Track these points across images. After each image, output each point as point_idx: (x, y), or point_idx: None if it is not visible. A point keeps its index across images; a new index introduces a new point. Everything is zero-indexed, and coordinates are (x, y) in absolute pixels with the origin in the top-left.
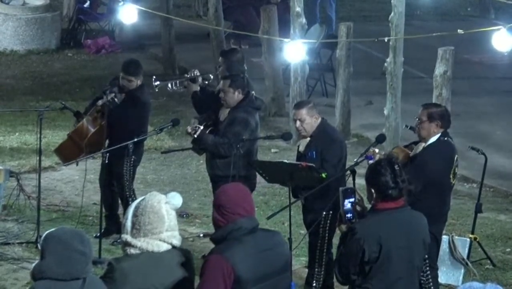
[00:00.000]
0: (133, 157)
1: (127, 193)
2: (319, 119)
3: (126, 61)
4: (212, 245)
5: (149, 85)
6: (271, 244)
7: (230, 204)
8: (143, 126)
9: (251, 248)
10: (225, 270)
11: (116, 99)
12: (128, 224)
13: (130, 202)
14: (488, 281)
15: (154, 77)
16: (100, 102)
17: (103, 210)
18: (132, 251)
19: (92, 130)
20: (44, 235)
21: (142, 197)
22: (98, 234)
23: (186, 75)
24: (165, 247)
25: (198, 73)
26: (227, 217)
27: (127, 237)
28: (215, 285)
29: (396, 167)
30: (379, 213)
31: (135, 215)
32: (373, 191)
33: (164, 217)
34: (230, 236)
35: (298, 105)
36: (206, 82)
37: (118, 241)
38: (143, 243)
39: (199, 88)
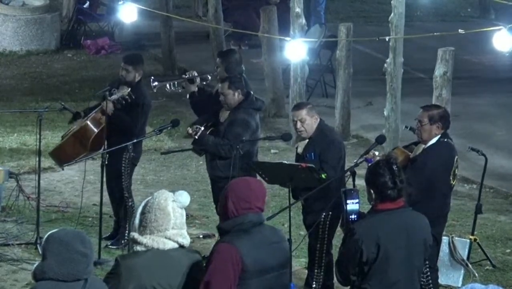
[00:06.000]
0: (131, 154)
1: (124, 193)
2: (318, 120)
3: (128, 53)
4: (211, 246)
5: (148, 86)
6: (277, 238)
7: (251, 198)
8: (142, 127)
9: (258, 239)
10: (234, 259)
11: (132, 96)
12: (136, 221)
13: (126, 203)
14: (488, 282)
15: (152, 77)
16: (113, 97)
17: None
18: (139, 248)
19: (96, 130)
20: (46, 236)
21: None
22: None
23: (184, 76)
24: (170, 244)
25: (196, 74)
26: (241, 210)
27: (134, 234)
28: (224, 272)
29: (394, 167)
30: (378, 214)
31: (143, 213)
32: (372, 191)
33: (170, 214)
34: (237, 227)
35: (298, 106)
36: (204, 83)
37: (111, 244)
38: (148, 240)
39: (197, 88)
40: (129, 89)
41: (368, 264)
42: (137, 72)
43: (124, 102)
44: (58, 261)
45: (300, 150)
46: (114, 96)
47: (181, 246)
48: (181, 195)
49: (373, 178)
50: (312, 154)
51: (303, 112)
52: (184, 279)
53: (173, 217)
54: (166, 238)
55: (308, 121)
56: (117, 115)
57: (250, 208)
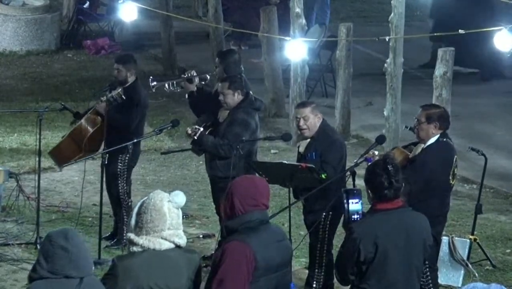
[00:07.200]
0: (127, 155)
1: (121, 194)
2: (321, 120)
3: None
4: (211, 246)
5: (147, 86)
6: (281, 236)
7: (256, 195)
8: (140, 126)
9: (265, 237)
10: (248, 256)
11: (123, 96)
12: (132, 222)
13: (123, 203)
14: (489, 282)
15: (151, 77)
16: (103, 98)
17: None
18: (135, 248)
19: (91, 130)
20: None
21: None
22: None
23: (183, 75)
24: (167, 245)
25: (195, 74)
26: (248, 207)
27: (130, 235)
28: (238, 270)
29: (390, 167)
30: (377, 213)
31: (138, 213)
32: (369, 191)
33: (166, 215)
34: (245, 225)
35: (302, 104)
36: (203, 82)
37: (111, 244)
38: (144, 240)
39: (195, 88)
40: (120, 89)
41: (366, 264)
42: (128, 71)
43: (115, 102)
44: (44, 256)
45: (301, 149)
46: (105, 97)
47: (178, 246)
48: (177, 195)
49: (370, 178)
50: (314, 153)
51: (307, 110)
52: (181, 279)
53: (169, 217)
54: (162, 238)
55: (311, 119)
56: (110, 116)
57: (257, 205)
